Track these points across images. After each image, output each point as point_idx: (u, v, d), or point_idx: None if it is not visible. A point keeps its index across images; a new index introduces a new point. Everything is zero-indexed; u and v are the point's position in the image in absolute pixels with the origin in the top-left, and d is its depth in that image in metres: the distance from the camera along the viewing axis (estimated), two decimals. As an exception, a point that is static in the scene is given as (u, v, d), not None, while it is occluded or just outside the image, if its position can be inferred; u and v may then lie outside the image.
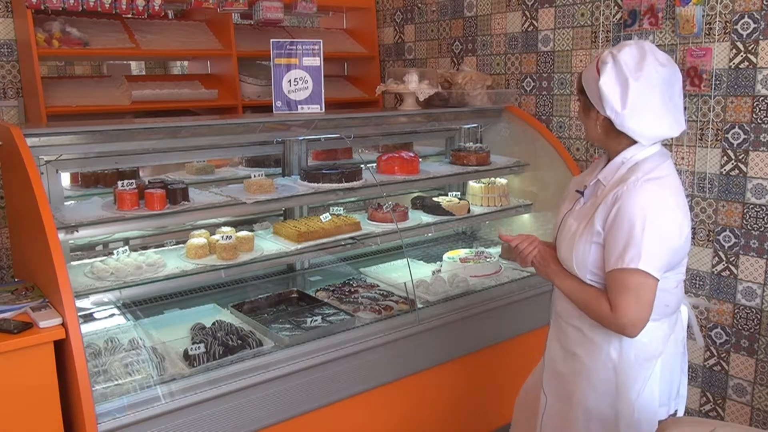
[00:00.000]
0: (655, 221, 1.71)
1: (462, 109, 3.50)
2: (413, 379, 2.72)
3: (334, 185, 2.89)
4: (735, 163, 2.82)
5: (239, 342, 2.36)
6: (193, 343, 2.30)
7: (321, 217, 2.97)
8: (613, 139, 1.85)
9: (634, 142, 1.83)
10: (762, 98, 2.75)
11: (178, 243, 2.90)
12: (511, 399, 3.14)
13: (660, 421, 1.67)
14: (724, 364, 2.99)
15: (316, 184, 2.88)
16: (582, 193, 1.95)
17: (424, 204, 3.37)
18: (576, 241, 1.83)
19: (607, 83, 1.76)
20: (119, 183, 2.45)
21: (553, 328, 2.08)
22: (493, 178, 3.58)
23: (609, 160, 1.91)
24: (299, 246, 2.76)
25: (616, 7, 3.20)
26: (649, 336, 1.83)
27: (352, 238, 2.93)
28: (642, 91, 1.75)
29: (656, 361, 1.88)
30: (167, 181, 2.63)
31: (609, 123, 1.81)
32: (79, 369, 1.95)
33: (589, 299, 1.82)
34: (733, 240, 2.88)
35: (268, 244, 2.82)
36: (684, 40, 2.94)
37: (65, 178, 2.81)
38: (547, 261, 1.97)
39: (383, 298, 2.90)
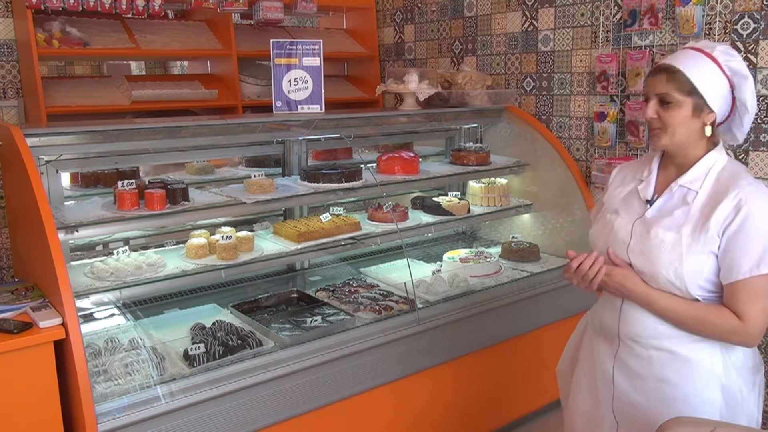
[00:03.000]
0: None
1: (462, 109, 3.50)
2: (413, 380, 2.72)
3: (334, 185, 2.89)
4: (735, 163, 2.82)
5: (239, 342, 2.36)
6: (193, 343, 2.30)
7: (321, 217, 2.97)
8: (700, 143, 1.78)
9: (711, 146, 1.79)
10: (762, 98, 2.75)
11: (178, 243, 2.90)
12: (512, 398, 3.15)
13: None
14: (724, 364, 2.99)
15: (316, 184, 2.88)
16: (650, 203, 1.84)
17: (424, 204, 3.37)
18: (686, 252, 1.70)
19: (749, 78, 1.74)
20: (119, 183, 2.45)
21: (618, 357, 1.88)
22: (493, 178, 3.58)
23: (661, 164, 1.88)
24: (299, 246, 2.76)
25: (616, 7, 3.20)
26: None
27: (352, 238, 2.93)
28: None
29: (762, 371, 1.84)
30: (167, 181, 2.63)
31: (712, 124, 1.77)
32: (79, 369, 1.94)
33: (707, 313, 1.70)
34: (733, 240, 2.88)
35: (268, 244, 2.82)
36: (684, 40, 2.94)
37: (65, 178, 2.81)
38: (631, 280, 1.78)
39: (383, 298, 2.90)
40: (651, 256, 1.76)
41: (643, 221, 1.82)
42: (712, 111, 1.74)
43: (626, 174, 1.99)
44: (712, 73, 1.74)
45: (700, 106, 1.74)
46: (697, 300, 1.72)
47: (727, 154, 1.83)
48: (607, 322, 1.91)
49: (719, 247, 1.69)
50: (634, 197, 1.89)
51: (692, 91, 1.73)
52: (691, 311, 1.72)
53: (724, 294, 1.70)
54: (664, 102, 1.76)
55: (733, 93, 1.77)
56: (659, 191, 1.84)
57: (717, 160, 1.77)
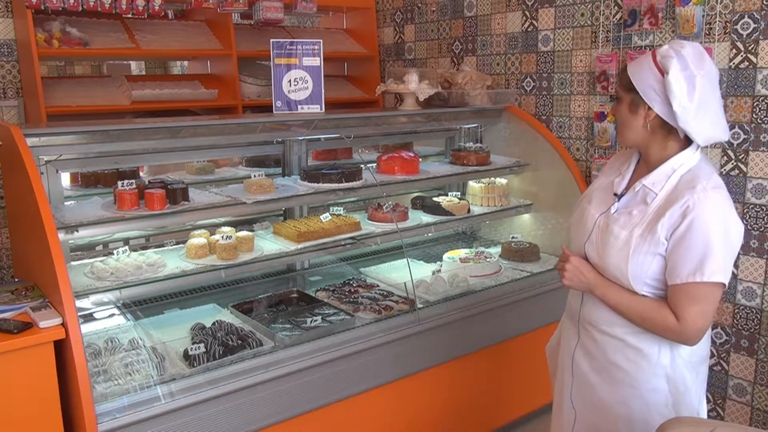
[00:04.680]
0: (728, 233, 1.69)
1: (462, 109, 3.50)
2: (413, 379, 2.72)
3: (334, 185, 2.89)
4: (735, 163, 2.82)
5: (239, 342, 2.36)
6: (193, 343, 2.30)
7: (321, 217, 2.97)
8: (659, 141, 1.78)
9: (681, 145, 1.77)
10: (762, 98, 2.75)
11: (178, 243, 2.90)
12: (511, 398, 3.15)
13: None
14: (724, 364, 2.99)
15: (316, 184, 2.88)
16: (618, 197, 1.87)
17: (424, 204, 3.37)
18: (632, 252, 1.74)
19: (676, 77, 1.68)
20: (119, 183, 2.45)
21: (580, 339, 1.98)
22: (493, 178, 3.59)
23: (639, 161, 1.89)
24: (299, 246, 2.76)
25: (616, 7, 3.20)
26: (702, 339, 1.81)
27: (352, 238, 2.93)
28: (706, 87, 1.70)
29: (706, 363, 1.90)
30: (167, 181, 2.63)
31: (659, 122, 1.75)
32: (79, 369, 1.94)
33: (648, 311, 1.75)
34: (733, 240, 2.88)
35: (268, 244, 2.82)
36: (684, 40, 2.94)
37: (65, 178, 2.81)
38: (582, 270, 1.85)
39: (383, 298, 2.90)
40: (603, 252, 1.82)
41: (606, 216, 1.86)
42: (650, 108, 1.74)
43: (614, 164, 2.01)
44: (646, 68, 1.74)
45: (636, 102, 1.77)
46: (645, 296, 1.77)
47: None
48: (573, 306, 2.02)
49: (666, 249, 1.72)
50: (609, 189, 1.92)
51: (631, 87, 1.76)
52: (634, 306, 1.77)
53: (667, 293, 1.75)
54: (616, 99, 1.84)
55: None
56: (630, 187, 1.87)
57: (684, 162, 1.76)
